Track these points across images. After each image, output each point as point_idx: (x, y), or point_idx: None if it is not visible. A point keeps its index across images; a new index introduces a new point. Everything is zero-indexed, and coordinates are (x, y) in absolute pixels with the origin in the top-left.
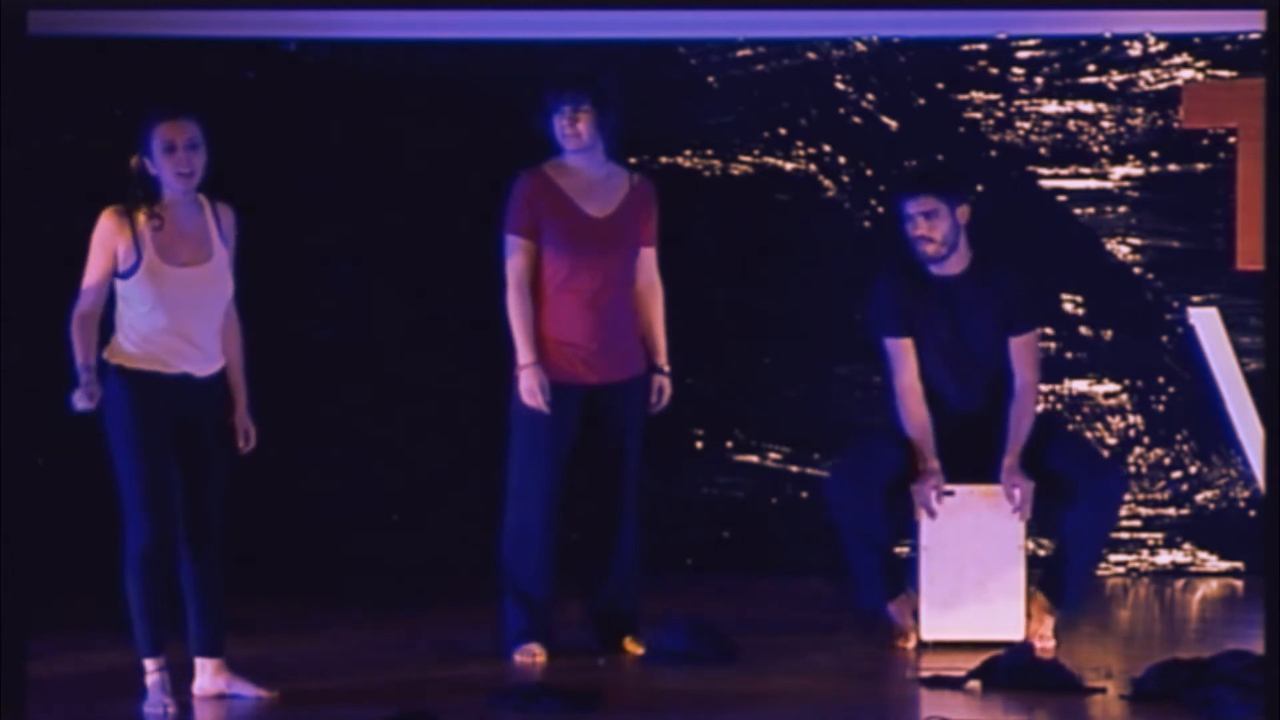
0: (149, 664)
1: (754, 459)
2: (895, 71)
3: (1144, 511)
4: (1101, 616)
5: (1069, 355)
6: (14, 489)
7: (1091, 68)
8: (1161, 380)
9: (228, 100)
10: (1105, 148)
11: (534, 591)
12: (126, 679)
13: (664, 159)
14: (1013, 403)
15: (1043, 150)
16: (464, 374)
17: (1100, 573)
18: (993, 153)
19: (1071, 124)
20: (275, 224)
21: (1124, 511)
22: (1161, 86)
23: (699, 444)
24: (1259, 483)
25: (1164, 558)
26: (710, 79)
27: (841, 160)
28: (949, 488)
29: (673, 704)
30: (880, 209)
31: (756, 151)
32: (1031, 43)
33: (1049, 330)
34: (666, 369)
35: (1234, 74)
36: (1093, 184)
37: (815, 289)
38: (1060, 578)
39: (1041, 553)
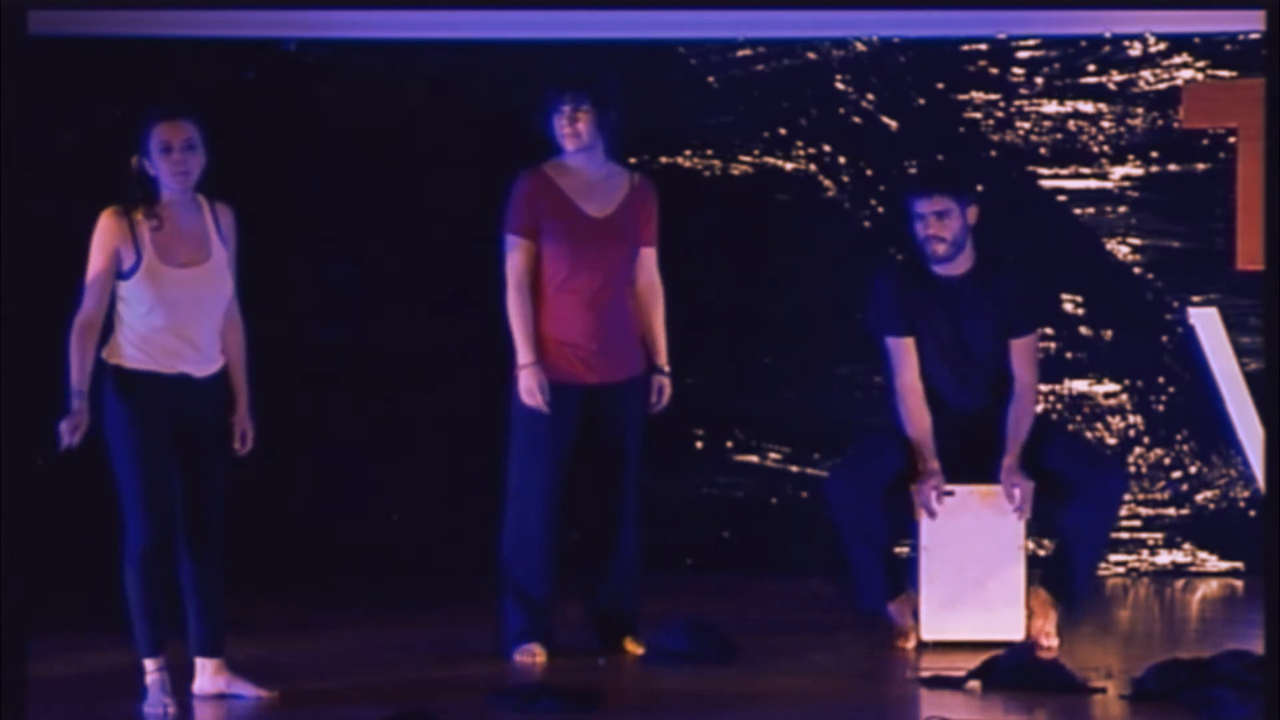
0: (149, 664)
1: (754, 459)
2: (895, 71)
3: (1144, 511)
4: (1101, 616)
5: (1069, 355)
6: (14, 489)
7: (1091, 68)
8: (1161, 380)
9: (228, 100)
10: (1105, 148)
11: (534, 591)
12: (126, 679)
13: (664, 159)
14: (1012, 403)
15: (1043, 150)
16: (464, 374)
17: (1100, 573)
18: (993, 153)
19: (1071, 124)
20: (275, 224)
21: (1124, 511)
22: (1161, 86)
23: (699, 444)
24: (1259, 483)
25: (1164, 558)
26: (710, 79)
27: (841, 160)
28: (949, 488)
29: (673, 704)
30: (880, 209)
31: (756, 151)
32: (1031, 43)
33: (1049, 330)
34: (666, 369)
35: (1234, 74)
36: (1093, 184)
37: (815, 289)
38: (1064, 575)
39: (1041, 553)
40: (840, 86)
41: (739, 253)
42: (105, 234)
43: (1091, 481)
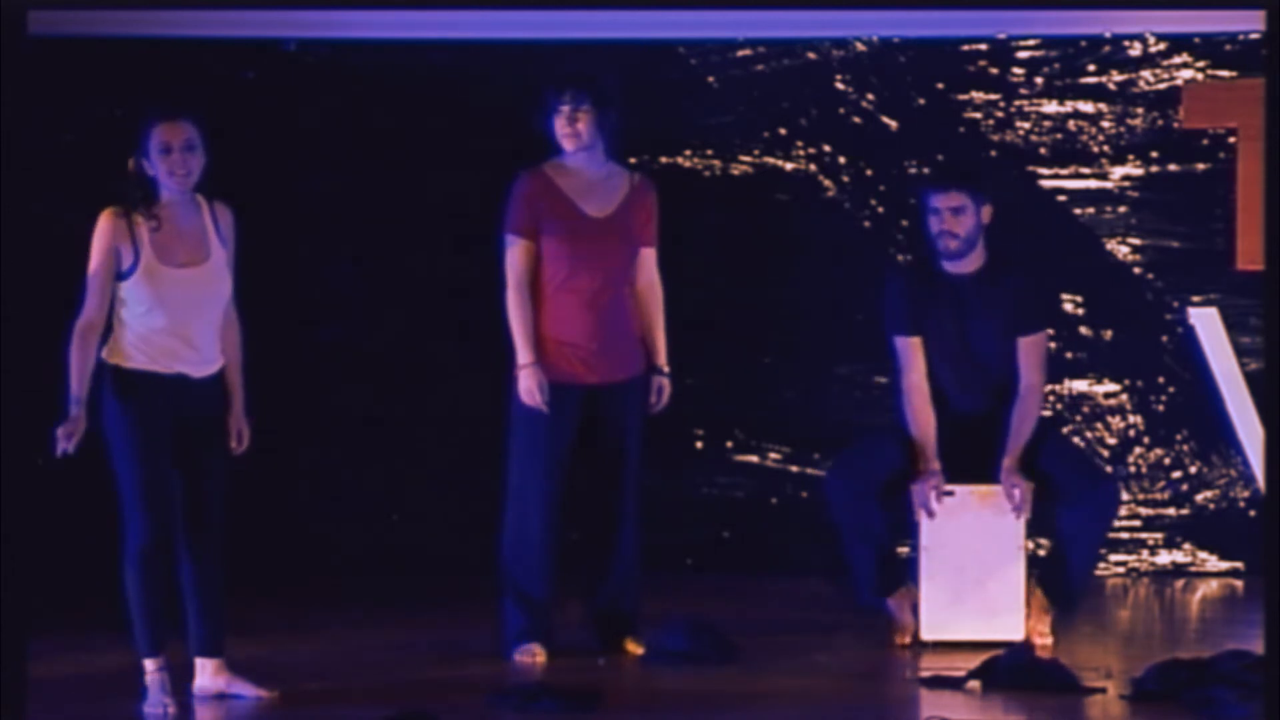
0: (149, 664)
1: (754, 459)
2: (895, 71)
3: (1144, 511)
4: (1101, 616)
5: (1069, 355)
6: (14, 489)
7: (1091, 68)
8: (1161, 380)
9: (228, 100)
10: (1105, 148)
11: (534, 591)
12: (126, 679)
13: (664, 159)
14: (1017, 403)
15: (1043, 150)
16: (464, 374)
17: (1100, 573)
18: (993, 153)
19: (1071, 124)
20: (275, 224)
21: (1124, 511)
22: (1161, 86)
23: (699, 444)
24: (1259, 483)
25: (1164, 558)
26: (710, 79)
27: (841, 160)
28: (949, 488)
29: (673, 704)
30: (880, 209)
31: (756, 151)
32: (1031, 43)
33: (1049, 330)
34: (666, 369)
35: (1234, 74)
36: (1093, 184)
37: (815, 289)
38: (1058, 576)
39: (1041, 553)
40: (840, 86)
41: (739, 253)
42: (104, 234)
43: (1083, 490)
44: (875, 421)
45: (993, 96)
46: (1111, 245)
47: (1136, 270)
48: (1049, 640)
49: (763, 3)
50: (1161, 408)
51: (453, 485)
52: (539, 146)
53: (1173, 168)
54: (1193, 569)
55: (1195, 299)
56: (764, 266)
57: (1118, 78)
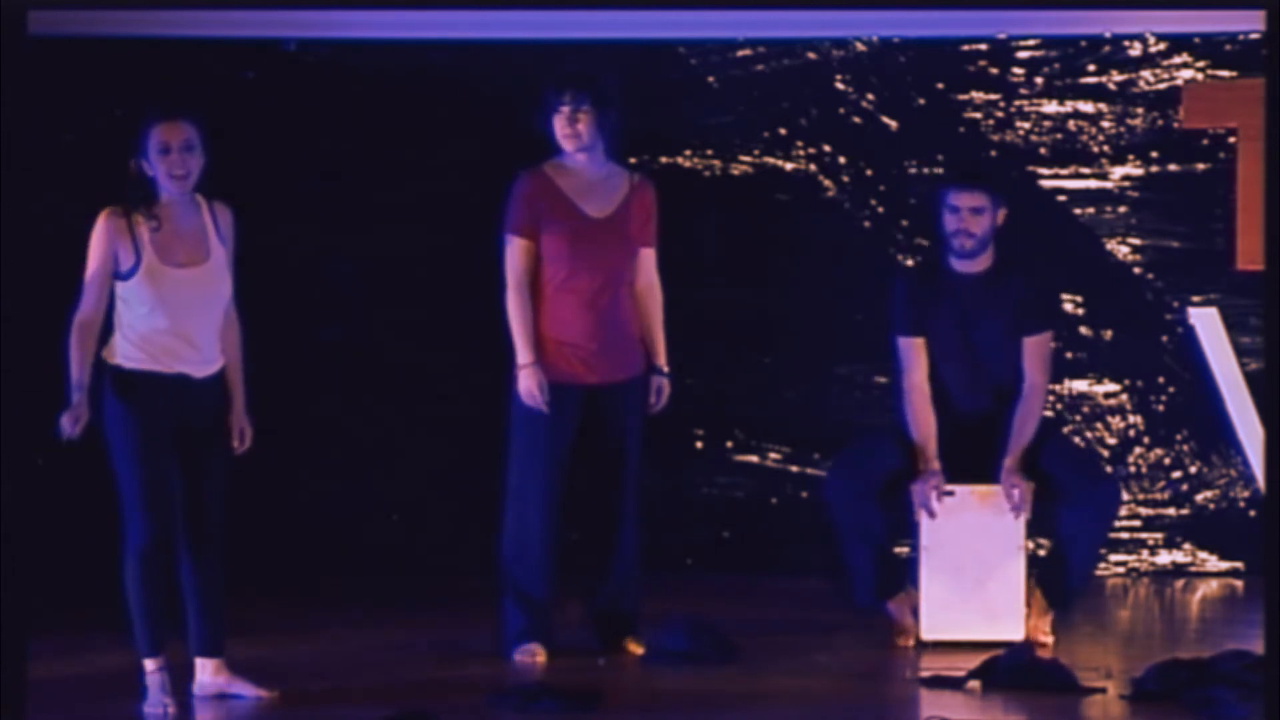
0: (149, 664)
1: (754, 459)
2: (895, 71)
3: (1144, 511)
4: (1101, 616)
5: (1069, 355)
6: (14, 489)
7: (1091, 68)
8: (1161, 380)
9: (228, 100)
10: (1105, 148)
11: (534, 591)
12: (126, 679)
13: (664, 159)
14: (1019, 403)
15: (1043, 150)
16: (464, 374)
17: (1100, 573)
18: (993, 153)
19: (1071, 124)
20: (275, 224)
21: (1124, 511)
22: (1161, 86)
23: (699, 444)
24: (1259, 483)
25: (1164, 558)
26: (710, 79)
27: (841, 160)
28: (949, 488)
29: (673, 704)
30: (880, 209)
31: (756, 151)
32: (1031, 43)
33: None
34: (665, 369)
35: (1234, 74)
36: (1093, 184)
37: (815, 289)
38: (1057, 577)
39: (1041, 553)
40: (840, 86)
41: (739, 253)
42: (104, 234)
43: (1083, 490)
44: (875, 421)
45: (993, 96)
46: (1111, 245)
47: (1136, 270)
48: (1049, 640)
49: (763, 3)
50: (1161, 408)
51: (453, 485)
52: (539, 146)
53: (1173, 168)
54: (1193, 569)
55: (1195, 299)
56: (764, 266)
57: (1118, 78)
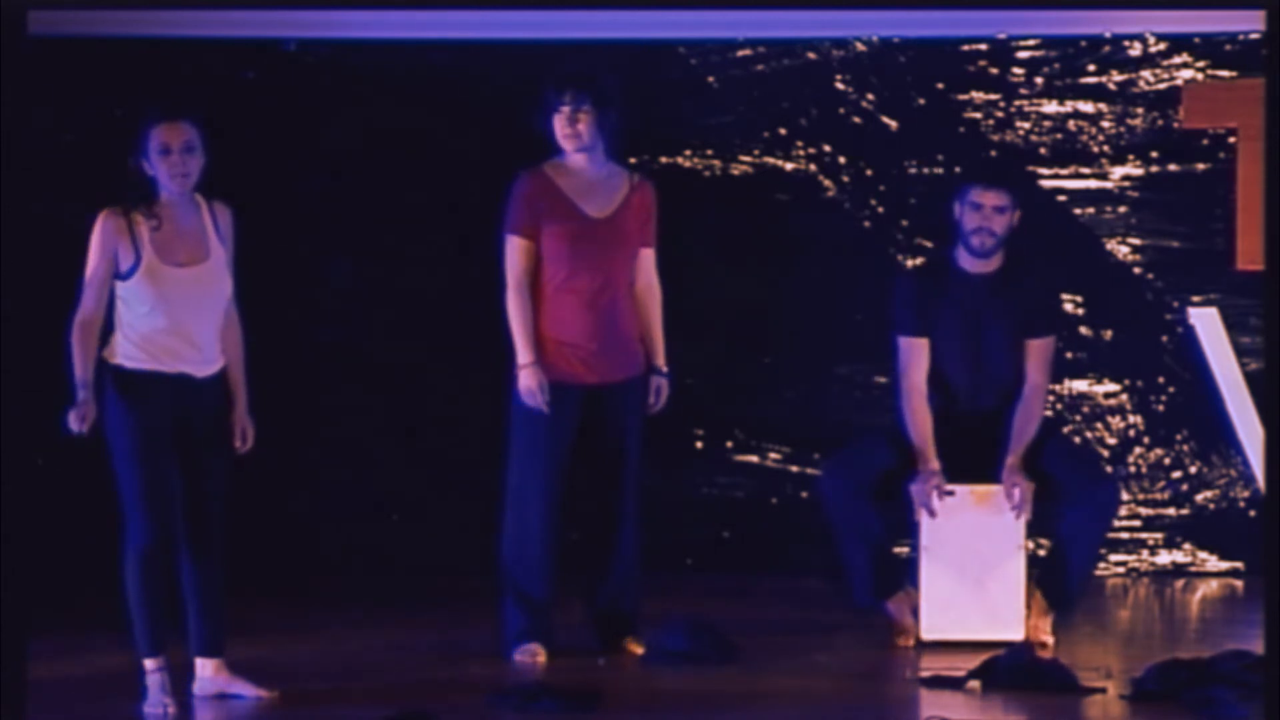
0: (149, 664)
1: (754, 459)
2: (895, 71)
3: (1144, 511)
4: (1101, 616)
5: (1069, 355)
6: (14, 489)
7: (1091, 68)
8: (1161, 380)
9: (228, 100)
10: (1105, 148)
11: (534, 591)
12: (126, 679)
13: (664, 159)
14: (1021, 403)
15: (1043, 150)
16: (464, 374)
17: (1100, 573)
18: (993, 153)
19: (1071, 124)
20: (275, 224)
21: (1124, 511)
22: (1161, 86)
23: (699, 444)
24: (1259, 483)
25: (1164, 558)
26: (710, 79)
27: (841, 160)
28: (949, 487)
29: (673, 704)
30: (880, 209)
31: (756, 151)
32: (1031, 43)
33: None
34: (665, 370)
35: (1234, 74)
36: (1093, 184)
37: (815, 289)
38: (1057, 577)
39: (1041, 553)
40: (840, 86)
41: (739, 253)
42: (104, 234)
43: (1083, 490)
44: (875, 421)
45: (993, 96)
46: (1111, 245)
47: (1136, 270)
48: (1049, 640)
49: (763, 3)
50: (1161, 408)
51: (453, 485)
52: (539, 146)
53: (1173, 168)
54: (1193, 569)
55: (1195, 299)
56: (764, 266)
57: (1118, 78)
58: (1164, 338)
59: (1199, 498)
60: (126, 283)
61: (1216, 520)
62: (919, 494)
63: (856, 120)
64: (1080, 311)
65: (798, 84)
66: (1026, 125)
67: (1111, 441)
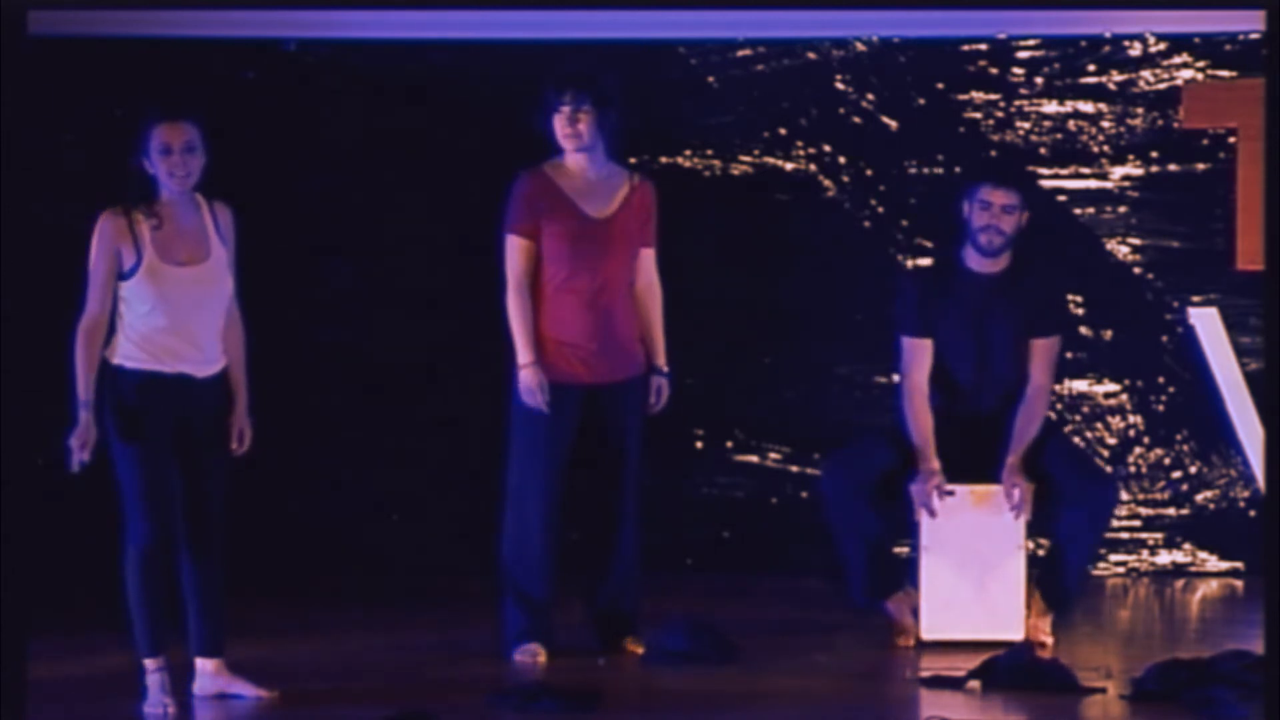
0: (149, 664)
1: (754, 459)
2: (895, 71)
3: (1144, 511)
4: (1101, 616)
5: (1069, 355)
6: (14, 489)
7: (1091, 68)
8: (1161, 380)
9: (228, 100)
10: (1105, 148)
11: (534, 591)
12: (126, 679)
13: (664, 159)
14: (1023, 404)
15: (1043, 150)
16: (464, 374)
17: (1100, 573)
18: (993, 153)
19: (1071, 124)
20: (275, 224)
21: (1124, 511)
22: (1161, 86)
23: (699, 444)
24: (1259, 483)
25: (1164, 558)
26: (710, 79)
27: (841, 160)
28: (950, 487)
29: (673, 704)
30: (880, 209)
31: (756, 151)
32: (1031, 43)
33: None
34: (665, 370)
35: (1234, 74)
36: (1093, 184)
37: (815, 289)
38: (1055, 578)
39: (1041, 553)
40: (840, 86)
41: (739, 253)
42: (105, 234)
43: (1082, 491)
44: (875, 421)
45: (993, 96)
46: (1111, 245)
47: (1136, 270)
48: (1049, 640)
49: (763, 3)
50: (1161, 408)
51: (453, 485)
52: (539, 146)
53: (1173, 168)
54: (1193, 569)
55: (1195, 299)
56: (764, 266)
57: (1118, 78)
58: (1164, 338)
59: (1199, 498)
60: (127, 282)
61: (1216, 520)
62: (919, 494)
63: (856, 120)
64: (1080, 311)
65: (798, 84)
66: (1026, 125)
67: (1111, 441)
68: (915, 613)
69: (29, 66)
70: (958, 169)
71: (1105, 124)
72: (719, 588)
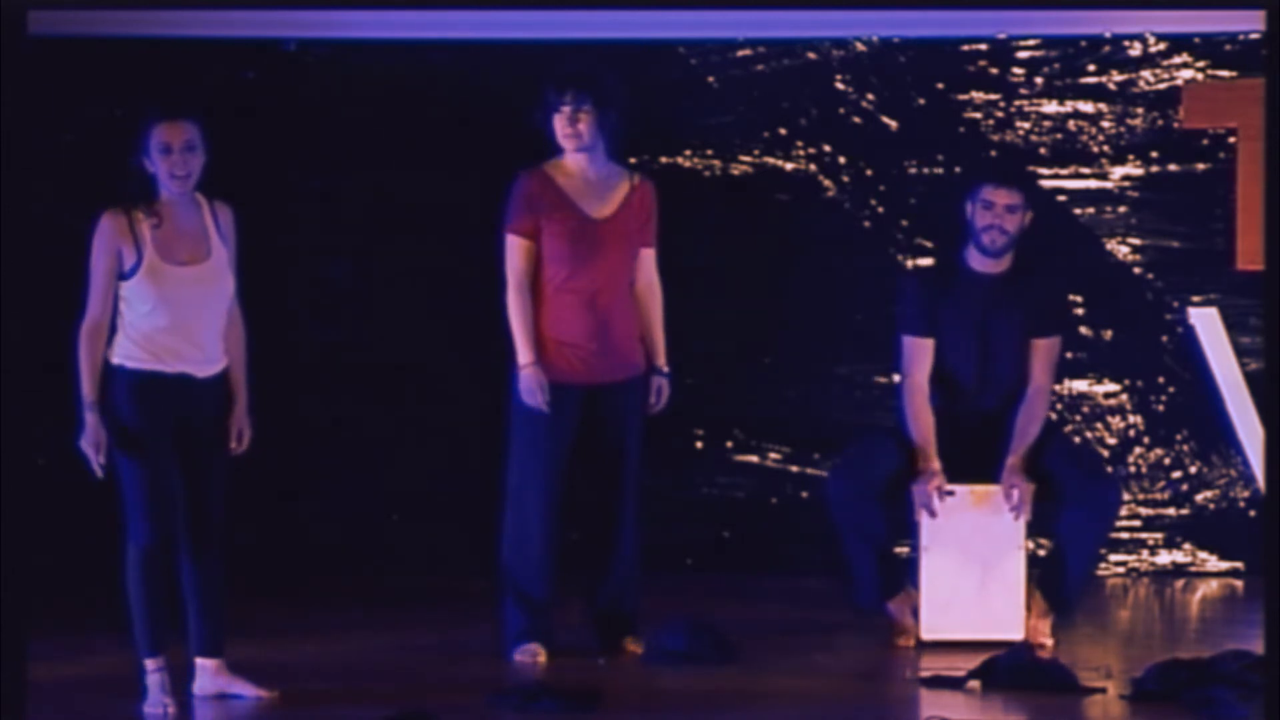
0: (149, 664)
1: (754, 459)
2: (895, 71)
3: (1144, 511)
4: (1101, 616)
5: (1069, 355)
6: (14, 489)
7: (1091, 68)
8: (1161, 380)
9: (228, 100)
10: (1105, 148)
11: (534, 591)
12: (126, 679)
13: (664, 159)
14: (1024, 404)
15: (1043, 150)
16: (464, 374)
17: (1100, 573)
18: (993, 153)
19: (1071, 124)
20: (276, 224)
21: (1124, 511)
22: (1161, 86)
23: (699, 444)
24: (1259, 483)
25: (1164, 558)
26: (710, 79)
27: (841, 160)
28: (950, 487)
29: (673, 704)
30: (880, 209)
31: (756, 151)
32: (1031, 43)
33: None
34: (665, 369)
35: (1234, 74)
36: (1093, 184)
37: (815, 289)
38: (1056, 578)
39: (1041, 553)
40: (840, 86)
41: (739, 253)
42: (106, 234)
43: (1085, 490)
44: (875, 421)
45: (993, 96)
46: (1111, 245)
47: (1136, 270)
48: (1049, 641)
49: (763, 3)
50: (1161, 408)
51: (453, 485)
52: (539, 146)
53: (1173, 168)
54: (1193, 569)
55: (1195, 299)
56: (764, 266)
57: (1118, 78)
58: (1164, 338)
59: (1199, 498)
60: (128, 282)
61: (1216, 520)
62: (920, 494)
63: (856, 120)
64: (1080, 311)
65: (798, 84)
66: (1026, 125)
67: (1111, 441)
68: (915, 613)
69: (29, 66)
70: (958, 169)
71: (1105, 124)
72: (719, 588)
